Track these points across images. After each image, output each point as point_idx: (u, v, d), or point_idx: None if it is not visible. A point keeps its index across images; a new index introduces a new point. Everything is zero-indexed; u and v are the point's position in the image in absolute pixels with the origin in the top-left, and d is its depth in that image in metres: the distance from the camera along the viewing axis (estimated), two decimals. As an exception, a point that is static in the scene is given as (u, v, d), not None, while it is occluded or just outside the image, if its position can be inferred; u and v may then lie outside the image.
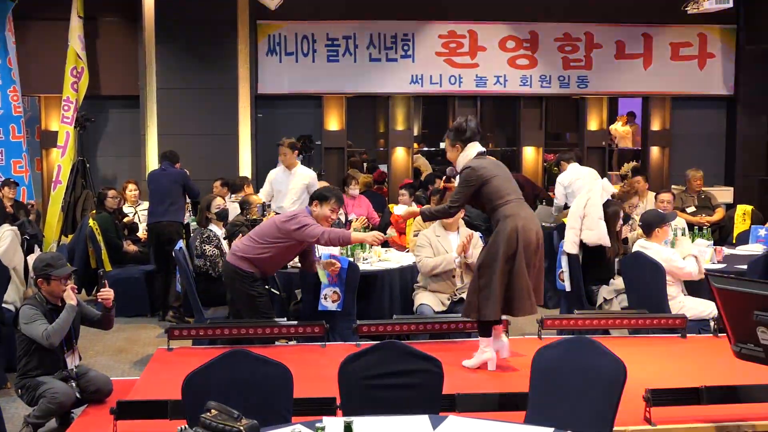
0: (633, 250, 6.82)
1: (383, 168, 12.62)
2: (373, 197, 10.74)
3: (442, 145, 13.64)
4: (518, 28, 11.92)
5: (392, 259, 7.57)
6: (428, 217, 5.75)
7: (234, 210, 8.67)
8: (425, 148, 14.24)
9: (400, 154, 12.26)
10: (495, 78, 11.93)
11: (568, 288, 7.26)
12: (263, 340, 6.01)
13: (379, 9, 11.64)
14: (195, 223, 8.50)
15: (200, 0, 10.76)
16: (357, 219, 8.87)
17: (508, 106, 12.75)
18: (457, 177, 5.50)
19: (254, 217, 7.54)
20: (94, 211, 9.16)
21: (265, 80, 11.49)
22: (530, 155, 12.36)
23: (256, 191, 9.22)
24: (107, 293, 5.33)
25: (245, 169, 11.02)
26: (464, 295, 6.69)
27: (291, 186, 8.39)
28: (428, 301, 6.64)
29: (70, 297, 5.14)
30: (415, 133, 13.25)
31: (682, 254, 6.63)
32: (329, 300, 6.57)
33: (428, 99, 13.43)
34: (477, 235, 6.96)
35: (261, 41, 11.46)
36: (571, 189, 9.04)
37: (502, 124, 14.79)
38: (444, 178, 5.62)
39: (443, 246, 6.73)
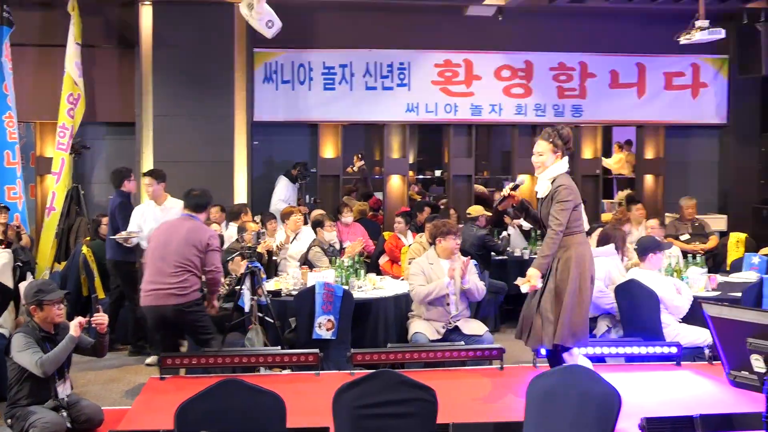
0: (628, 278, 6.83)
1: (379, 195, 12.65)
2: (368, 224, 10.75)
3: (438, 173, 13.81)
4: (513, 58, 11.99)
5: (386, 288, 7.57)
6: (544, 264, 5.12)
7: (230, 237, 8.68)
8: (420, 176, 14.27)
9: (395, 181, 12.28)
10: (490, 107, 11.99)
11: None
12: (255, 369, 5.99)
13: (375, 38, 11.72)
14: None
15: (197, 28, 10.81)
16: (352, 245, 8.84)
17: (503, 135, 12.79)
18: (543, 193, 5.26)
19: (249, 244, 7.54)
20: (88, 238, 9.15)
21: (261, 108, 11.53)
22: (525, 182, 12.39)
23: (253, 219, 9.22)
24: (101, 318, 5.31)
25: (241, 196, 11.02)
26: (459, 324, 6.70)
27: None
28: (423, 329, 6.62)
29: (75, 329, 5.09)
30: (411, 161, 13.28)
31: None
32: (323, 328, 6.56)
33: (424, 127, 13.48)
34: (472, 262, 6.95)
35: (257, 69, 11.51)
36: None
37: (497, 152, 14.87)
38: (512, 186, 5.39)
39: (437, 274, 6.73)
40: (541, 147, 5.30)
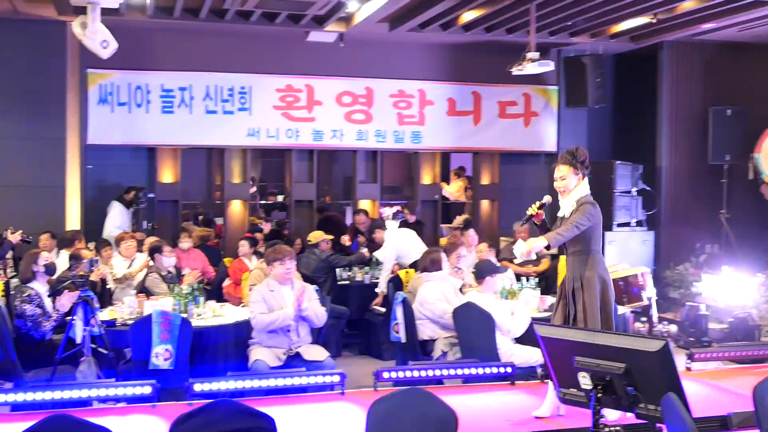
0: (465, 301, 7.02)
1: (219, 221, 12.45)
2: (207, 251, 10.54)
3: (280, 198, 13.72)
4: (354, 84, 12.14)
5: (227, 315, 7.44)
6: (554, 239, 5.20)
7: (62, 265, 8.30)
8: (262, 201, 14.16)
9: (236, 207, 12.13)
10: (332, 132, 12.07)
11: (403, 340, 7.35)
12: (88, 403, 5.73)
13: (215, 61, 11.57)
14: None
15: (28, 46, 10.34)
16: (191, 273, 8.64)
17: (345, 160, 12.90)
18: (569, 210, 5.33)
19: (81, 273, 7.22)
20: None
21: (95, 130, 11.09)
22: (366, 208, 12.52)
23: (86, 246, 8.86)
24: None
25: (73, 222, 10.57)
26: (300, 350, 6.66)
27: None
28: (263, 356, 6.54)
29: None
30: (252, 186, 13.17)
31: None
32: (161, 358, 6.36)
33: (265, 152, 13.41)
34: (312, 287, 6.94)
35: (92, 90, 11.10)
36: (403, 253, 9.45)
37: (337, 177, 14.96)
38: (539, 204, 5.34)
39: (277, 301, 6.67)
40: (563, 171, 5.38)
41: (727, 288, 10.43)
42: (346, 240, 10.48)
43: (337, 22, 10.93)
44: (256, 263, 9.18)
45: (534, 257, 5.10)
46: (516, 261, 5.12)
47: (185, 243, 9.83)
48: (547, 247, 5.22)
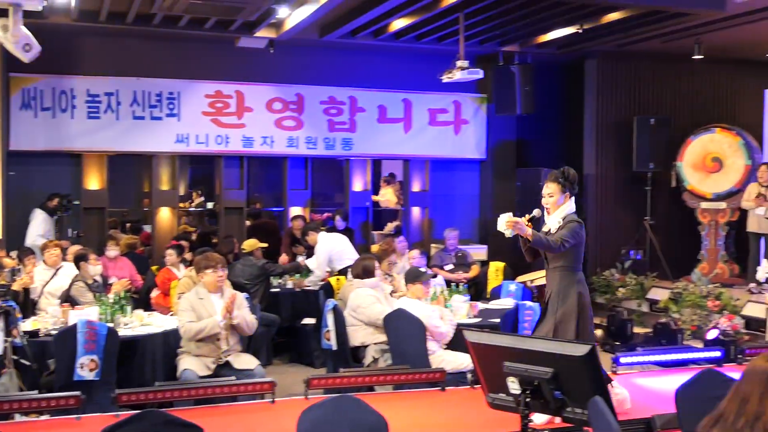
0: (396, 307, 7.04)
1: (147, 229, 12.26)
2: (135, 259, 10.36)
3: (210, 205, 13.56)
4: (285, 90, 12.10)
5: (155, 324, 7.31)
6: (536, 242, 5.25)
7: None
8: (192, 209, 13.99)
9: (164, 214, 11.95)
10: (262, 138, 12.00)
11: (334, 347, 7.33)
12: (10, 416, 5.56)
13: (143, 66, 11.39)
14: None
15: (-56, 49, 10.05)
16: (118, 281, 8.48)
17: (275, 167, 12.84)
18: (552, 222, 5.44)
19: (2, 282, 7.02)
20: None
21: (18, 136, 10.82)
22: (540, 214, 12.43)
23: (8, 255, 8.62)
24: None
25: (-6, 230, 10.29)
26: (230, 358, 6.59)
27: None
28: (192, 365, 6.45)
29: None
30: (181, 192, 12.99)
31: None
32: (86, 369, 6.22)
33: (195, 158, 13.25)
34: (242, 295, 6.87)
35: (14, 95, 10.82)
36: (337, 255, 9.57)
37: (269, 184, 14.86)
38: (530, 217, 5.37)
39: (206, 309, 6.59)
40: (551, 188, 5.48)
41: (650, 293, 10.68)
42: (301, 250, 10.54)
43: (268, 28, 10.88)
44: (184, 272, 9.06)
45: (509, 234, 5.17)
46: (499, 228, 5.19)
47: (112, 251, 9.65)
48: (527, 241, 5.32)
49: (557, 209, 5.48)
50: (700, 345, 8.35)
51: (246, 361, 6.68)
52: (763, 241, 10.57)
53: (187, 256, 9.64)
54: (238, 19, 10.29)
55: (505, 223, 5.21)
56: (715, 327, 8.58)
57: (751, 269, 10.51)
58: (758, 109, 12.52)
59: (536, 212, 5.59)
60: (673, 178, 12.16)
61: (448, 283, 8.94)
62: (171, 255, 9.52)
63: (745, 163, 11.58)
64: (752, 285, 10.23)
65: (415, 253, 9.32)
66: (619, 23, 10.60)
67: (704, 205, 11.86)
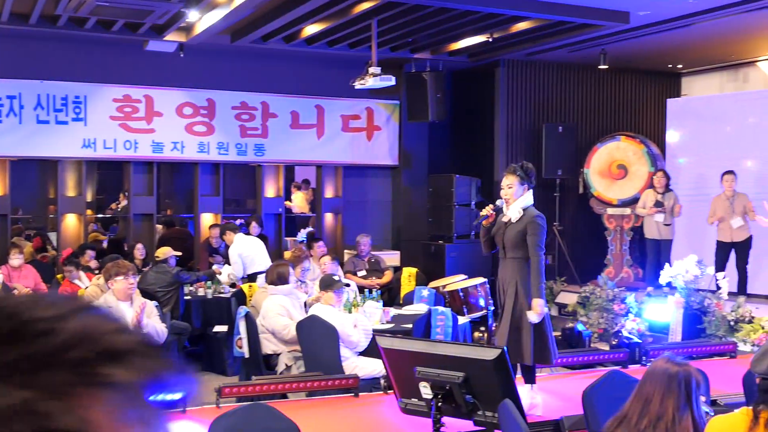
0: (309, 314, 7.01)
1: (52, 236, 11.89)
2: (40, 267, 10.05)
3: (115, 206, 13.25)
4: (195, 95, 11.91)
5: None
6: (541, 289, 5.68)
7: None
8: (100, 215, 13.66)
9: (71, 221, 11.62)
10: (172, 144, 11.78)
11: (246, 355, 7.25)
12: None
13: (48, 68, 11.05)
14: None
15: None
16: (23, 290, 8.22)
17: (185, 173, 12.63)
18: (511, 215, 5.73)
19: None
20: None
21: None
22: (208, 221, 12.28)
23: None
24: None
25: None
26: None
27: None
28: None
29: None
30: (89, 199, 12.65)
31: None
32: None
33: (102, 164, 12.93)
34: (152, 303, 6.74)
35: None
36: (249, 258, 9.58)
37: (179, 190, 14.63)
38: (493, 208, 5.54)
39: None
40: (510, 180, 5.80)
41: (558, 297, 10.91)
42: (219, 261, 10.48)
43: (177, 32, 10.71)
44: (90, 281, 8.83)
45: (537, 320, 5.62)
46: (534, 321, 5.59)
47: (16, 260, 9.34)
48: (486, 232, 5.90)
49: (516, 201, 5.77)
50: (607, 348, 8.58)
51: (155, 371, 6.54)
52: (663, 247, 10.89)
53: (92, 264, 9.40)
54: (146, 22, 10.10)
55: (536, 315, 5.61)
56: (620, 329, 8.82)
57: (649, 274, 10.86)
58: (661, 118, 12.97)
59: (499, 202, 5.92)
60: (581, 184, 12.46)
61: (361, 289, 8.95)
62: (70, 271, 9.30)
63: (648, 170, 11.94)
64: (650, 289, 10.53)
65: (327, 259, 9.30)
66: (528, 33, 10.82)
67: (610, 211, 12.19)
